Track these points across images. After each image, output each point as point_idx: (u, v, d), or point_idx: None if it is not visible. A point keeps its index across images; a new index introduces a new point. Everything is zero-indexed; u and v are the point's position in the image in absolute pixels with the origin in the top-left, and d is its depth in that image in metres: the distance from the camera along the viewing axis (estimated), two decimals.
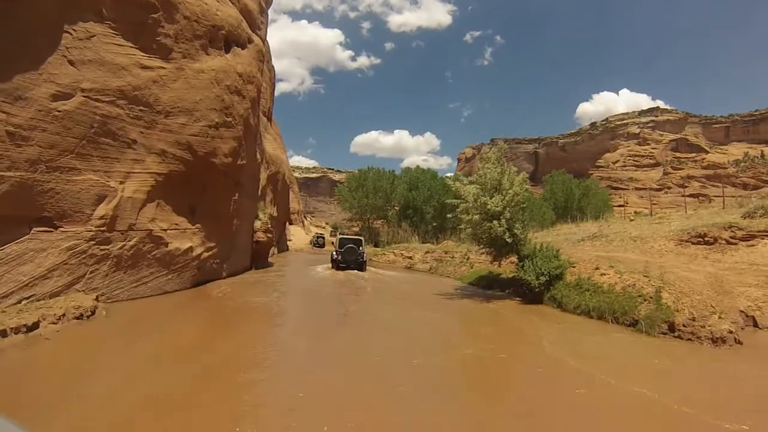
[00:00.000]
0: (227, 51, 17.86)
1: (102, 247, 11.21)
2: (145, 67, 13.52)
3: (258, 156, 21.86)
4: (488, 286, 17.90)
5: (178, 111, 14.27)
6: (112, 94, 12.38)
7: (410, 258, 27.89)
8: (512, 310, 13.77)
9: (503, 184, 14.53)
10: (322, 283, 19.56)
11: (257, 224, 20.92)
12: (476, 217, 14.41)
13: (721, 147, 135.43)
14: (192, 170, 14.33)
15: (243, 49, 19.25)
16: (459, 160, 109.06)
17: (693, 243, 19.04)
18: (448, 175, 67.25)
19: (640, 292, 13.02)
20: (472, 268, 21.28)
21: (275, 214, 34.23)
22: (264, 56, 21.75)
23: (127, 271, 11.75)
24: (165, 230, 12.95)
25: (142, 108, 13.21)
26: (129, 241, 11.81)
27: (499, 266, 17.92)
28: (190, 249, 13.92)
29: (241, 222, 18.44)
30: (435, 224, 53.25)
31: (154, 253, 12.48)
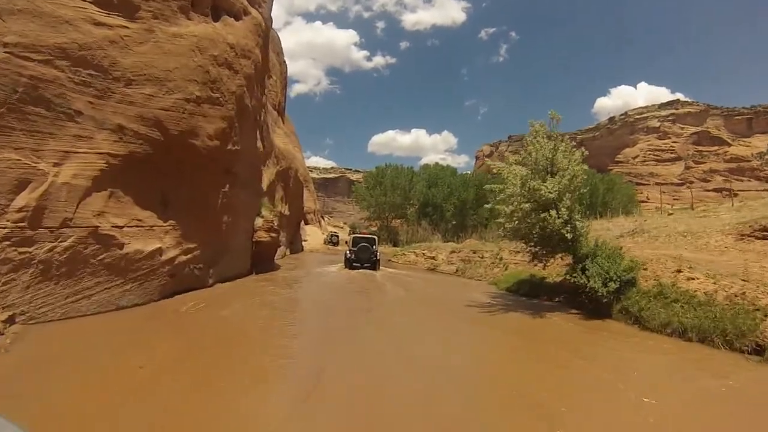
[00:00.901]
0: (216, 19, 14.57)
1: (21, 249, 7.93)
2: (99, 24, 10.27)
3: (260, 144, 18.56)
4: (532, 293, 14.08)
5: (145, 79, 10.99)
6: (47, 51, 9.14)
7: (433, 258, 24.15)
8: (578, 329, 9.98)
9: (559, 163, 10.82)
10: (332, 290, 16.09)
11: (259, 222, 17.58)
12: (526, 206, 10.70)
13: (744, 139, 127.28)
14: (162, 153, 11.04)
15: (237, 20, 15.93)
16: (477, 158, 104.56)
17: (757, 238, 15.10)
18: (467, 172, 63.27)
19: (754, 304, 9.19)
20: (506, 269, 17.53)
21: (287, 212, 30.99)
22: (264, 31, 18.40)
23: (60, 281, 8.44)
24: (120, 227, 9.64)
25: (92, 72, 9.96)
26: (63, 241, 8.51)
27: (544, 268, 14.14)
28: (159, 251, 10.59)
29: (236, 219, 15.11)
30: (455, 222, 49.60)
31: (102, 257, 9.16)
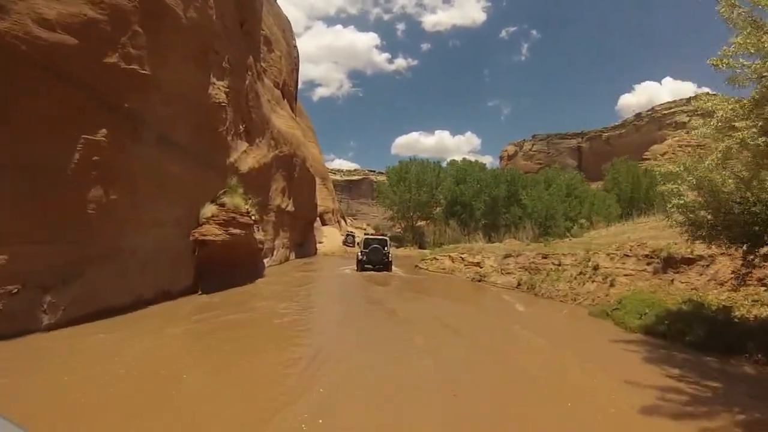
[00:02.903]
0: None
1: None
2: None
3: (218, 94, 11.47)
4: (717, 344, 6.06)
5: None
6: None
7: (477, 265, 16.34)
8: None
9: None
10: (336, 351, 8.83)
11: (208, 211, 10.41)
12: None
13: None
14: None
15: None
16: (501, 158, 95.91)
17: None
18: (496, 167, 55.20)
19: None
20: (611, 286, 9.78)
21: (290, 208, 24.01)
22: None
23: None
24: None
25: None
26: None
27: (737, 289, 6.49)
28: None
29: (138, 199, 8.03)
30: (485, 222, 41.88)
31: None
